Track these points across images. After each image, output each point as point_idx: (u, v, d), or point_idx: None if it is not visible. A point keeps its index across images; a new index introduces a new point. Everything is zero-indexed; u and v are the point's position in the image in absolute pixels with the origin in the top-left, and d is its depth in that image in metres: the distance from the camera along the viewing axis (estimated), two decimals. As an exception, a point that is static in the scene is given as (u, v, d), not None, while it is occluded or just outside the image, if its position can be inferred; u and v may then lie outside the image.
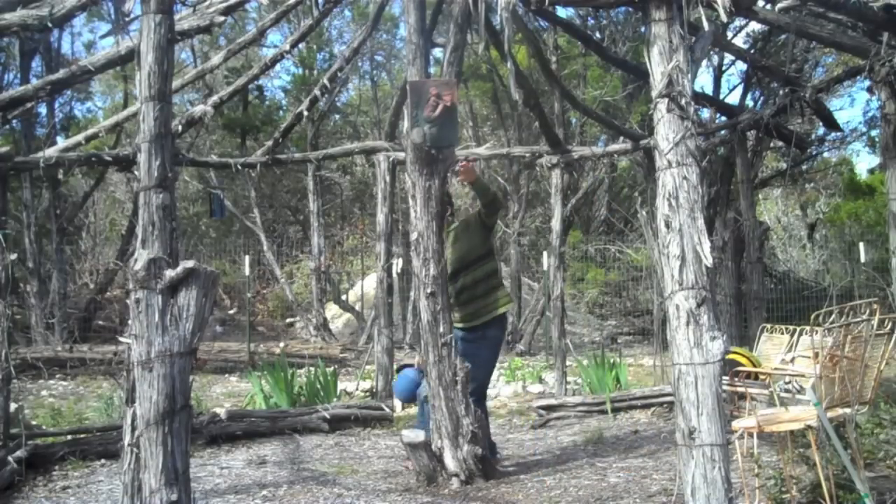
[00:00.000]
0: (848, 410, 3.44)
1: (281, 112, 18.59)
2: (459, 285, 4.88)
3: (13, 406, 5.43)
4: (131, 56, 4.37)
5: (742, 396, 5.12)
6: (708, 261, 2.92)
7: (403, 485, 4.63)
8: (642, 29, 11.51)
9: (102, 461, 5.45)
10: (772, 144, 13.75)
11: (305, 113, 8.23)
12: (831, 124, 8.25)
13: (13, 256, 5.07)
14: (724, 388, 3.77)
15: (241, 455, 5.74)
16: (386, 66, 19.57)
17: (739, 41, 14.59)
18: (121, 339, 3.83)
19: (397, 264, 10.33)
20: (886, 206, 6.57)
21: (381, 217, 7.58)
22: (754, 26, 13.85)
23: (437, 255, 4.59)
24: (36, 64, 14.18)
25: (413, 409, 6.53)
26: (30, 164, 7.18)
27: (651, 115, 3.11)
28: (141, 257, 2.87)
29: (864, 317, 3.44)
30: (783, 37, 12.82)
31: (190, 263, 2.89)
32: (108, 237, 18.11)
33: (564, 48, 14.74)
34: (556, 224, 8.20)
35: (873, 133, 16.08)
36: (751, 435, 3.62)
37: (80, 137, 7.47)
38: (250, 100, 17.58)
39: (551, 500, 4.15)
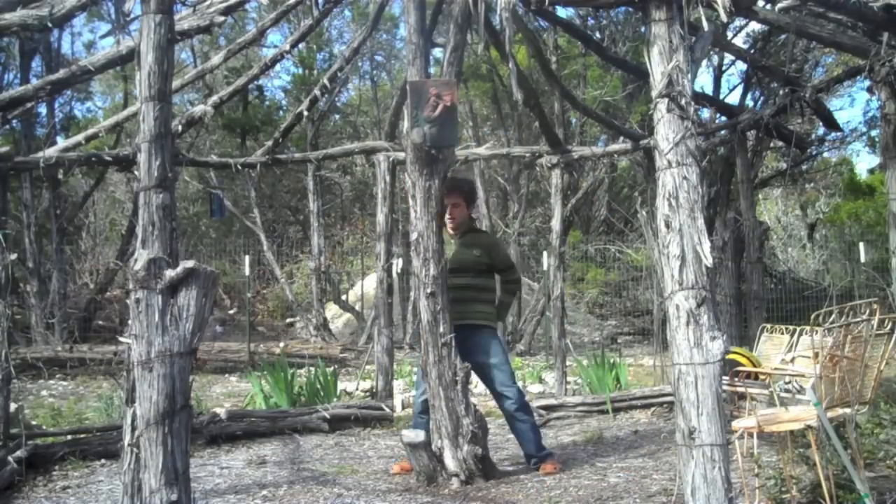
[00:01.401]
0: (848, 410, 3.44)
1: (281, 112, 18.59)
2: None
3: (13, 406, 5.42)
4: (131, 56, 4.37)
5: (742, 396, 5.12)
6: (708, 261, 2.92)
7: (403, 485, 4.63)
8: (642, 29, 11.51)
9: (102, 461, 5.45)
10: (772, 144, 13.76)
11: (305, 113, 8.22)
12: (831, 124, 8.24)
13: (13, 256, 5.06)
14: (724, 388, 3.77)
15: (241, 455, 5.74)
16: (386, 66, 19.60)
17: (739, 41, 14.61)
18: (121, 339, 3.83)
19: (397, 264, 10.34)
20: (886, 206, 6.57)
21: (381, 217, 7.57)
22: (754, 26, 13.87)
23: (437, 255, 4.59)
24: (36, 64, 14.21)
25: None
26: (30, 164, 7.18)
27: (651, 115, 3.11)
28: (141, 257, 2.86)
29: (864, 317, 3.44)
30: (783, 37, 12.82)
31: (190, 263, 2.89)
32: (108, 237, 18.13)
33: (564, 48, 14.75)
34: (556, 224, 8.20)
35: (873, 133, 16.10)
36: (751, 435, 3.62)
37: (80, 137, 7.46)
38: (250, 100, 17.58)
39: (551, 500, 4.15)
